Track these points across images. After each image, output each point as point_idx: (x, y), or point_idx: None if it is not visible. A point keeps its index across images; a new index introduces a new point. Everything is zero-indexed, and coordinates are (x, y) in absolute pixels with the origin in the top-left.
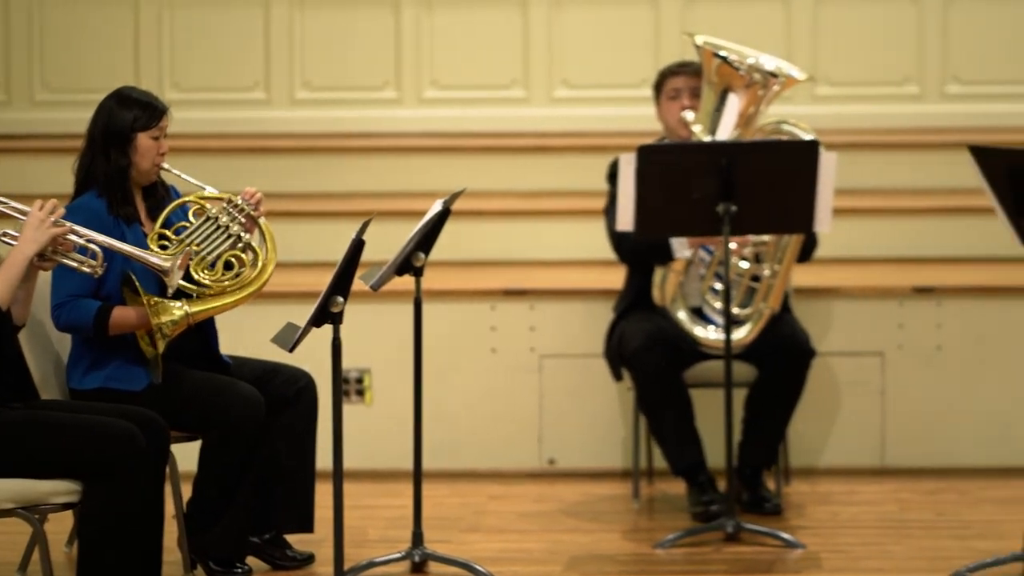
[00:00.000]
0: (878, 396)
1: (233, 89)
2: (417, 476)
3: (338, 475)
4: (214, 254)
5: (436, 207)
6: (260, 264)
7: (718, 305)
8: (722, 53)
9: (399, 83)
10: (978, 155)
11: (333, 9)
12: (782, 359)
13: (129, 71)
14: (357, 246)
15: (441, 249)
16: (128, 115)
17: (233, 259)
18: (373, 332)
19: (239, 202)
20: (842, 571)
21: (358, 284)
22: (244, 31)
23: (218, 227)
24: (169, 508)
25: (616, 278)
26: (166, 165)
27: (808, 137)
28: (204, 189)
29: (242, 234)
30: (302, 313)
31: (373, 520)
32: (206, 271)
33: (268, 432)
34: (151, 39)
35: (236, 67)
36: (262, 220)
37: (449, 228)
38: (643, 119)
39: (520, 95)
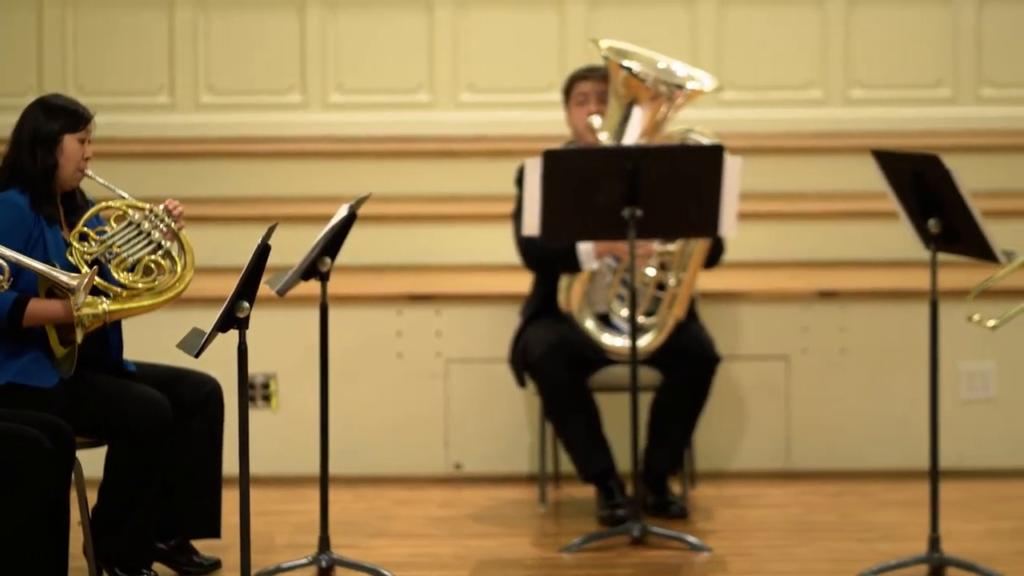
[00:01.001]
0: (783, 400)
1: (137, 93)
2: (324, 481)
3: (244, 480)
4: (134, 257)
5: (342, 212)
6: (179, 272)
7: (624, 312)
8: (627, 63)
9: (304, 87)
10: (881, 159)
11: (238, 13)
12: (687, 366)
13: (32, 75)
14: (263, 251)
15: (347, 254)
16: (55, 122)
17: (153, 264)
18: (279, 337)
19: (159, 211)
20: (748, 574)
21: (264, 289)
22: (148, 35)
23: (140, 232)
24: (75, 514)
25: (523, 283)
26: (90, 172)
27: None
28: (125, 197)
29: (163, 241)
30: (208, 318)
31: (280, 525)
32: (125, 272)
33: (174, 437)
34: (55, 42)
35: (140, 71)
36: (182, 232)
37: (355, 233)
38: (550, 123)
39: (425, 99)
